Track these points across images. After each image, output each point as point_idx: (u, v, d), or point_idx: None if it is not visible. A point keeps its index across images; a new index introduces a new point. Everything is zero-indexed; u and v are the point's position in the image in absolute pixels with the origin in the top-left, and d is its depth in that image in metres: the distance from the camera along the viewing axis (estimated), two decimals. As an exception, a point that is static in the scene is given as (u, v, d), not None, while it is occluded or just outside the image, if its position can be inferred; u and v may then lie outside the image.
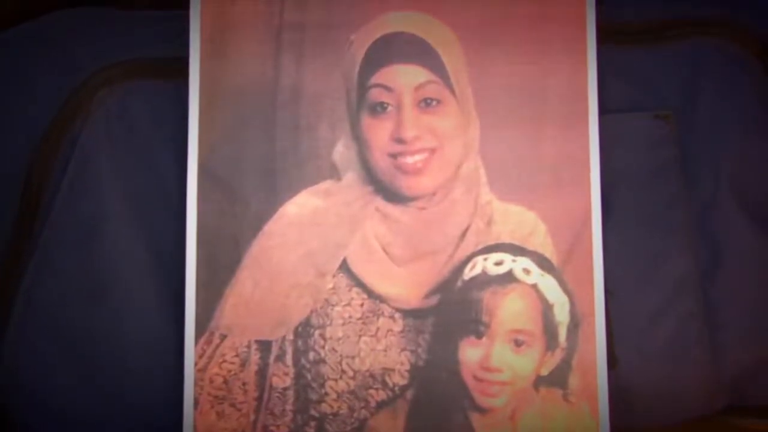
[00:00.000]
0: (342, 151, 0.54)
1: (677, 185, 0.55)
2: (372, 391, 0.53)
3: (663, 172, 0.55)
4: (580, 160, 0.54)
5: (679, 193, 0.55)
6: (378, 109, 0.53)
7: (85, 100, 0.54)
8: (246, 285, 0.53)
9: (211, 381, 0.52)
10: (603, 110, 0.53)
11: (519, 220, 0.54)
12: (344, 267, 0.53)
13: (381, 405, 0.53)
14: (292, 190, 0.53)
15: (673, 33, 0.56)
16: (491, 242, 0.54)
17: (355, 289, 0.53)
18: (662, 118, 0.55)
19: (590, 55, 0.54)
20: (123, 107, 0.54)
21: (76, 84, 0.54)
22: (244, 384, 0.53)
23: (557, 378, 0.53)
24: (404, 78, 0.53)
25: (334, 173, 0.54)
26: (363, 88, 0.53)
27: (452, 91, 0.53)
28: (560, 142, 0.54)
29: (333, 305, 0.53)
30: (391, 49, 0.53)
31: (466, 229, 0.54)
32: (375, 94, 0.53)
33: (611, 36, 0.55)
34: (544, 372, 0.53)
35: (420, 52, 0.53)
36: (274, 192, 0.53)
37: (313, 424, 0.53)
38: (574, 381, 0.53)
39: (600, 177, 0.53)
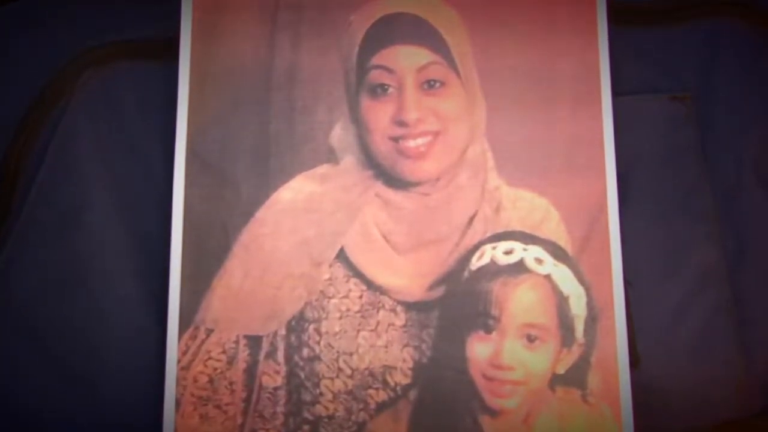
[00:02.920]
0: (340, 133, 0.51)
1: (698, 170, 0.52)
2: (371, 391, 0.49)
3: (682, 156, 0.53)
4: (594, 143, 0.51)
5: (701, 178, 0.52)
6: (378, 90, 0.51)
7: (68, 82, 0.53)
8: (235, 275, 0.50)
9: (195, 380, 0.49)
10: (617, 92, 0.51)
11: (530, 207, 0.51)
12: (342, 256, 0.50)
13: (381, 406, 0.49)
14: (287, 175, 0.51)
15: (687, 14, 0.54)
16: (500, 230, 0.50)
17: (354, 280, 0.50)
18: (680, 100, 0.53)
19: (601, 36, 0.52)
20: (109, 89, 0.53)
21: (59, 65, 0.53)
22: (231, 383, 0.49)
23: (575, 377, 0.49)
24: (406, 59, 0.51)
25: (332, 157, 0.51)
26: (362, 69, 0.51)
27: (457, 73, 0.51)
28: (572, 125, 0.51)
29: (329, 297, 0.50)
30: (392, 30, 0.51)
31: (473, 216, 0.51)
32: (375, 76, 0.51)
33: (623, 16, 0.54)
34: (561, 370, 0.49)
35: (422, 33, 0.51)
36: (267, 176, 0.51)
37: (306, 427, 0.49)
38: (593, 380, 0.49)
39: (615, 161, 0.51)
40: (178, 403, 0.48)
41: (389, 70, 0.50)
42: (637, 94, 0.53)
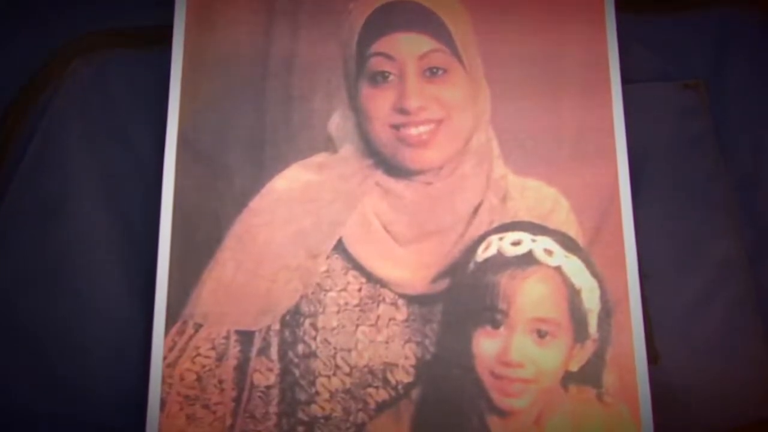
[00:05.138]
0: (339, 121, 0.50)
1: (713, 159, 0.51)
2: (371, 390, 0.47)
3: (696, 144, 0.51)
4: (604, 131, 0.50)
5: (716, 167, 0.51)
6: (379, 78, 0.49)
7: (57, 69, 0.52)
8: (227, 267, 0.48)
9: (182, 378, 0.47)
10: (626, 80, 0.50)
11: (538, 196, 0.49)
12: (340, 247, 0.48)
13: (382, 406, 0.47)
14: (282, 163, 0.49)
15: (696, 1, 0.54)
16: (507, 220, 0.48)
17: (352, 273, 0.48)
18: (692, 87, 0.52)
19: (609, 23, 0.51)
20: (99, 77, 0.52)
21: (49, 52, 0.52)
22: (220, 381, 0.47)
23: (589, 375, 0.47)
24: (407, 46, 0.49)
25: (330, 145, 0.50)
26: (362, 57, 0.50)
27: (460, 60, 0.50)
28: (581, 113, 0.50)
29: (326, 290, 0.48)
30: (392, 17, 0.50)
31: (478, 206, 0.49)
32: (375, 63, 0.49)
33: (631, 3, 0.53)
34: (574, 367, 0.47)
35: (423, 20, 0.50)
36: (262, 165, 0.49)
37: (301, 428, 0.46)
38: (609, 378, 0.47)
39: (627, 149, 0.49)
40: (163, 403, 0.46)
41: (390, 58, 0.49)
42: (648, 82, 0.52)
